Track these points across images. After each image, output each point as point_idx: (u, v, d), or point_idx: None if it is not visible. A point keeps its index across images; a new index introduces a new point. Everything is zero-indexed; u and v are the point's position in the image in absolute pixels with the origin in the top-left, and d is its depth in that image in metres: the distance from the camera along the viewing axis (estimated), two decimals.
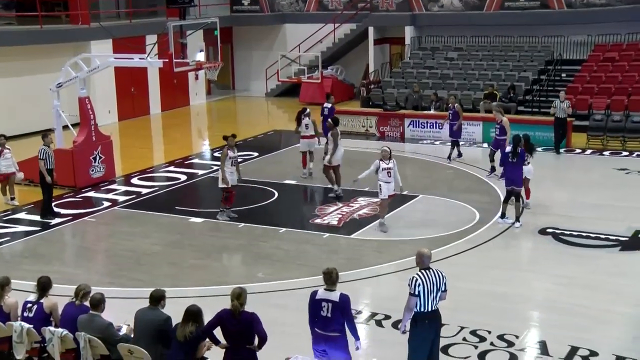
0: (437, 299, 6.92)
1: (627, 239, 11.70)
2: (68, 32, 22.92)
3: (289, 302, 9.74)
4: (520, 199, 12.63)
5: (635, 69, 21.03)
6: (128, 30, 23.72)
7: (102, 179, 16.19)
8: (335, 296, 6.80)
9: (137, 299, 8.58)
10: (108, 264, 11.88)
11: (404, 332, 7.11)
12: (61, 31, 22.84)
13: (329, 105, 18.07)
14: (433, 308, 6.90)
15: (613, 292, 9.77)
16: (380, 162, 12.20)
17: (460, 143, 17.60)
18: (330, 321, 6.81)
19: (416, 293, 6.80)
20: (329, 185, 14.61)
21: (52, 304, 7.75)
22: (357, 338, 7.03)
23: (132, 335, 7.30)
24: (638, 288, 9.85)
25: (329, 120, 15.07)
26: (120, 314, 8.22)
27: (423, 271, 6.91)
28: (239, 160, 13.89)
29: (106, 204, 14.77)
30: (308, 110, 16.27)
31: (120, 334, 7.42)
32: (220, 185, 13.15)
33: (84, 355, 7.18)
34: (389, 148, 12.59)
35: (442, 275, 6.96)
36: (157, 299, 7.17)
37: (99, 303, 7.29)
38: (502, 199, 12.90)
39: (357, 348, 7.05)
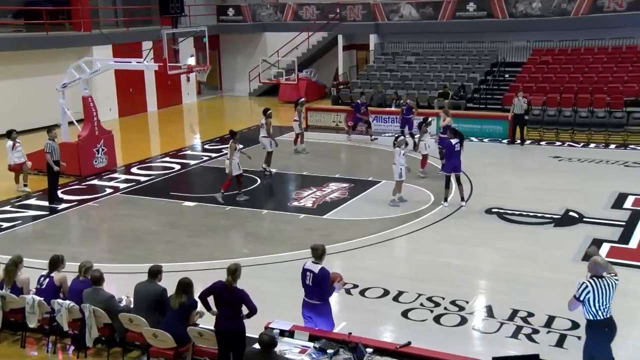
0: (609, 307, 6.00)
1: (559, 216, 11.80)
2: (71, 38, 22.43)
3: (270, 274, 9.71)
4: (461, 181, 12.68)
5: (565, 71, 21.23)
6: (126, 37, 23.34)
7: (104, 169, 15.93)
8: (316, 269, 6.77)
9: (137, 274, 8.46)
10: (110, 242, 11.71)
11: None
12: (65, 37, 22.34)
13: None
14: (609, 315, 6.01)
15: (548, 261, 9.86)
16: (400, 149, 12.65)
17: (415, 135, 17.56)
18: (312, 290, 6.79)
19: (581, 299, 5.97)
20: (305, 173, 14.57)
21: (62, 277, 7.65)
22: (323, 300, 6.86)
23: (132, 306, 7.23)
24: (568, 258, 9.94)
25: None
26: (122, 287, 8.11)
27: (595, 279, 5.99)
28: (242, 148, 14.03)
29: (109, 190, 14.54)
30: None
31: (122, 305, 7.34)
32: (234, 173, 13.14)
33: (89, 324, 7.10)
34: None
35: (615, 284, 6.03)
36: (155, 273, 7.10)
37: (99, 279, 7.20)
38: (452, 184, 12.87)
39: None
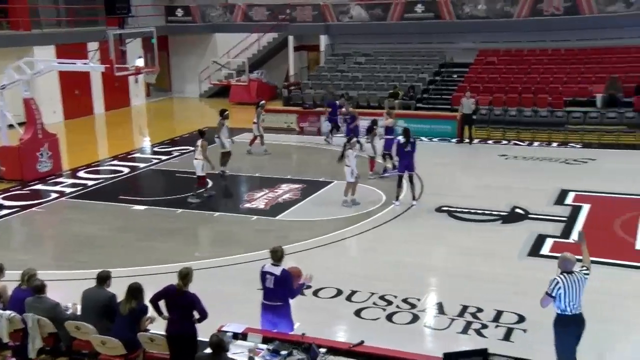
0: (580, 302, 6.11)
1: (506, 213, 12.09)
2: (10, 37, 21.56)
3: (223, 276, 9.62)
4: (414, 181, 12.84)
5: (510, 71, 21.80)
6: (70, 37, 22.70)
7: (49, 173, 15.45)
8: (277, 271, 6.75)
9: (85, 280, 8.23)
10: (56, 249, 11.38)
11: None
12: (3, 37, 21.46)
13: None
14: (578, 311, 6.12)
15: (496, 257, 10.08)
16: (353, 151, 12.60)
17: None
18: (274, 292, 6.77)
19: (553, 295, 6.07)
20: (257, 174, 14.50)
21: (1, 287, 7.35)
22: (285, 301, 6.88)
23: (79, 313, 7.03)
24: (515, 253, 10.21)
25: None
26: (69, 294, 7.87)
27: (565, 274, 6.09)
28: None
29: (54, 195, 14.12)
30: (227, 112, 15.46)
31: (68, 313, 7.13)
32: (199, 173, 13.16)
33: (32, 335, 6.85)
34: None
35: (585, 279, 6.14)
36: (103, 278, 6.91)
37: (42, 287, 6.96)
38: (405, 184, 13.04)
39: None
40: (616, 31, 21.34)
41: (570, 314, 6.12)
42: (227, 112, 15.30)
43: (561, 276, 6.12)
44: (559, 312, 6.16)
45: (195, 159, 13.26)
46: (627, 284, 8.56)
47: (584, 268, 6.26)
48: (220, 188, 14.65)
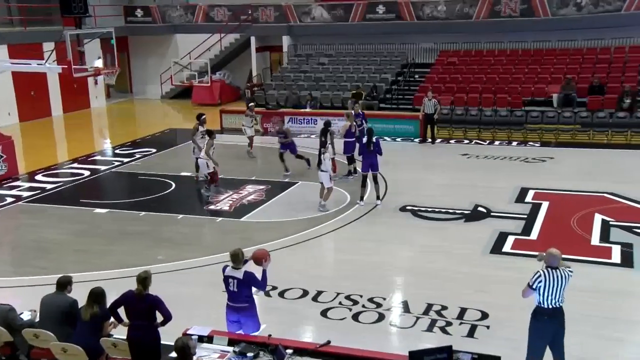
0: (560, 297, 6.21)
1: (469, 212, 12.27)
2: None
3: (188, 279, 9.51)
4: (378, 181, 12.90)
5: (470, 71, 22.15)
6: (23, 37, 22.10)
7: (4, 177, 15.04)
8: (239, 274, 6.70)
9: (44, 286, 8.04)
10: (14, 254, 11.06)
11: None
12: None
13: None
14: (555, 306, 6.21)
15: (459, 255, 10.21)
16: (327, 155, 12.43)
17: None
18: (238, 295, 6.74)
19: (534, 287, 6.17)
20: (221, 176, 14.33)
21: None
22: (262, 288, 7.00)
23: (37, 320, 6.84)
24: (478, 251, 10.37)
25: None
26: (27, 301, 7.67)
27: (549, 269, 6.20)
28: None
29: (9, 199, 13.74)
30: (204, 116, 14.91)
31: (25, 319, 6.92)
32: (206, 171, 13.40)
33: None
34: None
35: (568, 276, 6.24)
36: (64, 284, 6.74)
37: None
38: (371, 184, 13.02)
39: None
40: (569, 33, 21.96)
41: (546, 307, 6.23)
42: (204, 116, 14.84)
43: (544, 270, 6.24)
44: (536, 304, 6.29)
45: (200, 158, 13.54)
46: (585, 279, 8.77)
47: (569, 267, 6.39)
48: (184, 190, 14.48)
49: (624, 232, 10.93)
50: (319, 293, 8.89)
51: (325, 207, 12.55)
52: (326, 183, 12.50)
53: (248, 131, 17.27)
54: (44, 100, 23.97)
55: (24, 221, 12.56)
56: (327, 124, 14.81)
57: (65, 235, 11.57)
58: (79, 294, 6.72)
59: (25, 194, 14.18)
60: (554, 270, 6.20)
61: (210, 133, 13.67)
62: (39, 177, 15.60)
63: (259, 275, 6.83)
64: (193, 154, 14.67)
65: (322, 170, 12.46)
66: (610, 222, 11.36)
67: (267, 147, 18.47)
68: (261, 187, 14.22)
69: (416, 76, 23.10)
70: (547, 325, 6.30)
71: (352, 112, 15.68)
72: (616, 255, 10.04)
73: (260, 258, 6.90)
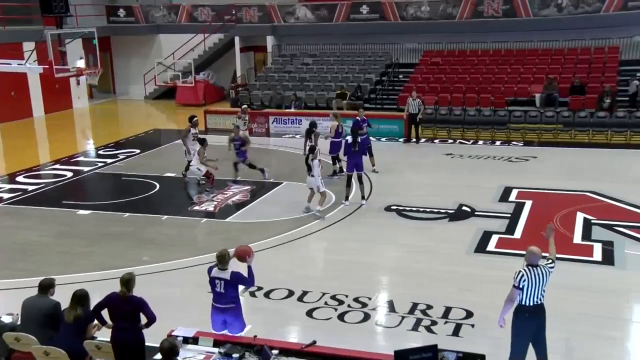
0: (541, 294, 6.28)
1: (453, 211, 12.33)
2: None
3: (172, 280, 9.45)
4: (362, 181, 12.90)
5: (454, 71, 22.27)
6: (3, 37, 21.79)
7: None
8: (226, 275, 6.70)
9: (26, 289, 7.93)
10: None
11: (501, 326, 6.45)
12: None
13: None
14: (536, 303, 6.28)
15: (444, 255, 10.26)
16: (318, 160, 11.88)
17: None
18: (225, 295, 6.74)
19: (520, 286, 6.22)
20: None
21: None
22: (251, 285, 6.97)
23: (19, 324, 6.75)
24: (462, 250, 10.42)
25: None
26: (7, 304, 7.58)
27: (530, 267, 6.26)
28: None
29: None
30: (195, 118, 14.73)
31: (5, 322, 6.82)
32: (187, 158, 13.66)
33: None
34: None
35: (548, 272, 6.32)
36: (46, 286, 6.66)
37: None
38: (357, 184, 13.00)
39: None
40: (550, 34, 22.19)
41: (527, 305, 6.28)
42: (195, 118, 14.58)
43: (526, 268, 6.29)
44: (518, 302, 6.33)
45: (191, 165, 13.77)
46: (568, 277, 8.86)
47: (550, 261, 6.46)
48: (168, 190, 14.39)
49: (605, 230, 11.05)
50: (305, 293, 8.88)
51: (321, 212, 12.02)
52: (319, 187, 12.03)
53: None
54: (24, 101, 23.70)
55: (4, 223, 12.39)
56: (313, 125, 14.81)
57: (47, 237, 11.44)
58: (62, 297, 6.64)
59: (6, 195, 14.01)
60: (534, 268, 6.27)
61: (202, 141, 13.66)
62: (20, 178, 15.42)
63: (244, 274, 6.81)
64: (185, 156, 14.50)
65: (311, 176, 12.02)
66: (592, 221, 11.49)
67: (253, 148, 18.40)
68: (246, 187, 14.18)
69: (400, 76, 23.18)
70: (529, 323, 6.36)
71: (339, 112, 15.66)
72: (597, 253, 10.15)
73: (244, 254, 6.90)
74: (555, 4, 22.11)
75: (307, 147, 13.78)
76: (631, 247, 10.30)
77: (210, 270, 6.82)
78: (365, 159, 13.69)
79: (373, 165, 15.06)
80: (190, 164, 13.79)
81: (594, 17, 21.50)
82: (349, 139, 12.92)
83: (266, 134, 20.11)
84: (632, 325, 7.98)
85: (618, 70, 20.55)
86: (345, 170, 13.39)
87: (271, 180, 14.66)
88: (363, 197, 12.85)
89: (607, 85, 19.14)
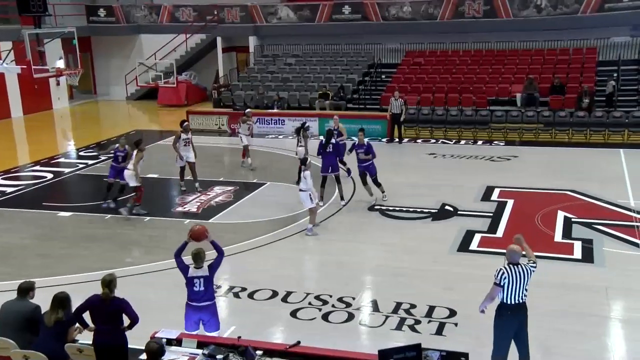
0: (523, 293, 6.32)
1: (436, 210, 12.39)
2: None
3: (155, 282, 9.37)
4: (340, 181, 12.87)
5: (436, 71, 22.38)
6: None
7: None
8: (204, 271, 6.80)
9: (5, 292, 7.82)
10: None
11: (482, 311, 6.55)
12: None
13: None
14: (518, 301, 6.32)
15: (427, 253, 10.30)
16: (309, 172, 11.05)
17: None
18: (204, 293, 6.81)
19: (501, 283, 6.26)
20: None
21: None
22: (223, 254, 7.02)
23: None
24: (445, 249, 10.47)
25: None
26: None
27: (511, 265, 6.32)
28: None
29: None
30: (186, 123, 14.18)
31: None
32: (133, 184, 12.21)
33: None
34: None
35: (530, 271, 6.37)
36: (25, 290, 6.55)
37: None
38: (336, 185, 12.93)
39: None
40: (530, 34, 22.41)
41: (509, 303, 6.33)
42: (186, 123, 14.04)
43: (507, 267, 6.34)
44: (500, 300, 6.38)
45: (127, 169, 12.38)
46: (549, 275, 8.94)
47: (531, 261, 6.52)
48: (151, 192, 14.26)
49: (584, 228, 11.18)
50: (289, 294, 8.86)
51: (313, 231, 11.24)
52: (306, 204, 11.16)
53: (244, 139, 15.68)
54: (2, 101, 23.39)
55: None
56: (303, 125, 14.88)
57: (27, 240, 11.29)
58: (43, 300, 6.55)
59: None
60: (515, 267, 6.32)
61: (139, 144, 12.40)
62: None
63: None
64: (176, 162, 14.01)
65: (301, 190, 11.17)
66: (572, 219, 11.61)
67: (237, 148, 18.35)
68: (229, 188, 14.12)
69: (383, 76, 23.24)
70: (511, 321, 6.42)
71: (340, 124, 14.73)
72: (577, 251, 10.26)
73: (201, 235, 7.03)
74: (535, 5, 22.35)
75: (297, 148, 13.87)
76: (610, 245, 10.43)
77: (185, 270, 6.85)
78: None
79: (383, 192, 13.09)
80: (128, 167, 12.38)
81: (572, 19, 21.78)
82: (323, 138, 12.88)
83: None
84: (610, 322, 8.08)
85: (596, 70, 20.80)
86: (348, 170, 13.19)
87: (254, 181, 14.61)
88: (342, 198, 12.85)
89: (585, 85, 19.36)
